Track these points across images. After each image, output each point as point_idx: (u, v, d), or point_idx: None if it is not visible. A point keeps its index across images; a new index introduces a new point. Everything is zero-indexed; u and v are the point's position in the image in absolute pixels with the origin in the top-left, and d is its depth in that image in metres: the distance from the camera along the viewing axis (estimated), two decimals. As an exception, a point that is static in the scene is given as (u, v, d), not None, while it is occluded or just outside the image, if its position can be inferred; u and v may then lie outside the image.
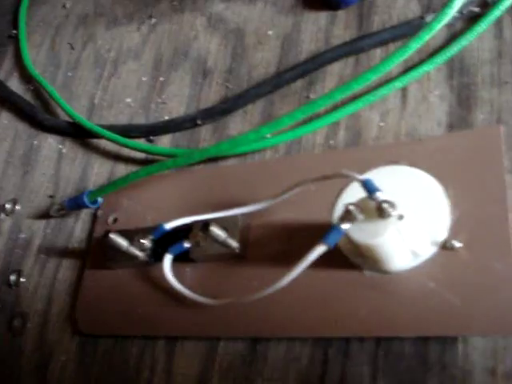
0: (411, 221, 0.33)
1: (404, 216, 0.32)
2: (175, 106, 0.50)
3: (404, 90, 0.42)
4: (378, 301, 0.34)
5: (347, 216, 0.32)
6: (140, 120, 0.50)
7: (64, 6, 0.62)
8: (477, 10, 0.43)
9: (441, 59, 0.41)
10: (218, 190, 0.43)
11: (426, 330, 0.33)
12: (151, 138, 0.49)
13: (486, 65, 0.41)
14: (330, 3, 0.48)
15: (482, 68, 0.41)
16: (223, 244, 0.39)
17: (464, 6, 0.42)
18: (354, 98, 0.42)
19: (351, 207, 0.32)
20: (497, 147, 0.36)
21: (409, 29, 0.44)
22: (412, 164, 0.38)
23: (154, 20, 0.56)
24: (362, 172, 0.38)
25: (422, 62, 0.42)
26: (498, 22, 0.42)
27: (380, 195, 0.32)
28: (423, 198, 0.36)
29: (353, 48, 0.45)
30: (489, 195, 0.35)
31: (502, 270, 0.32)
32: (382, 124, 0.42)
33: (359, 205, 0.33)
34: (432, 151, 0.38)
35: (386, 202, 0.32)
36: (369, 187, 0.32)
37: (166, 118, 0.49)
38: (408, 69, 0.42)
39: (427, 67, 0.41)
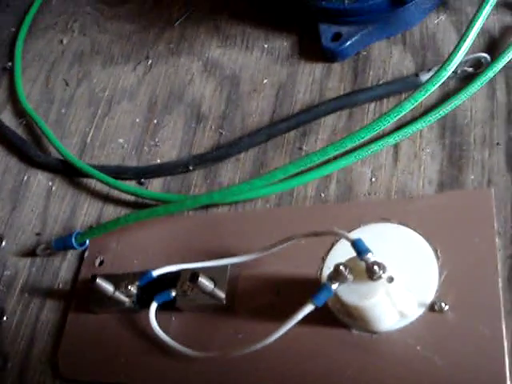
0: (400, 282, 0.33)
1: (394, 278, 0.32)
2: (168, 149, 0.50)
3: (396, 146, 0.42)
4: (365, 360, 0.34)
5: (337, 276, 0.32)
6: (132, 162, 0.50)
7: (61, 42, 0.63)
8: (470, 70, 0.43)
9: (433, 118, 0.42)
10: (207, 237, 0.43)
11: (412, 392, 0.33)
12: (142, 180, 0.49)
13: (479, 125, 0.41)
14: (325, 55, 0.49)
15: (474, 128, 0.41)
16: (210, 295, 0.39)
17: (459, 65, 0.42)
18: (347, 152, 0.42)
19: (341, 267, 0.32)
20: (488, 210, 0.37)
21: (403, 85, 0.44)
22: (402, 222, 0.38)
23: (150, 61, 0.56)
24: (352, 228, 0.38)
25: (414, 119, 0.42)
26: (491, 82, 0.43)
27: (370, 256, 0.32)
28: (412, 259, 0.36)
29: (347, 102, 0.45)
30: (478, 258, 0.35)
31: (490, 334, 0.32)
32: (373, 179, 0.42)
33: (349, 265, 0.32)
34: (423, 210, 0.38)
35: (376, 263, 0.32)
36: (359, 247, 0.32)
37: (158, 160, 0.49)
38: (400, 126, 0.42)
39: (420, 125, 0.42)
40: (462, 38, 0.40)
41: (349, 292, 0.32)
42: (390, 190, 0.41)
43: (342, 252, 0.36)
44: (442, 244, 0.36)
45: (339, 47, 0.48)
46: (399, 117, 0.40)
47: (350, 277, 0.32)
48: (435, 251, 0.36)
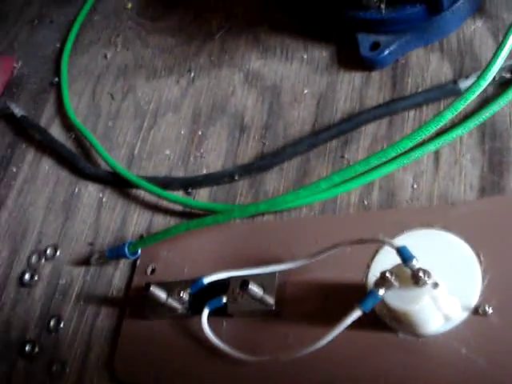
0: (445, 287, 0.34)
1: (439, 284, 0.33)
2: (213, 159, 0.52)
3: (437, 153, 0.43)
4: (412, 363, 0.35)
5: (383, 282, 0.34)
6: (179, 172, 0.52)
7: (105, 56, 0.65)
8: (508, 76, 0.44)
9: (473, 124, 0.43)
10: (254, 245, 0.44)
11: (459, 394, 0.34)
12: (189, 190, 0.50)
13: (517, 130, 0.42)
14: (364, 64, 0.50)
15: (513, 133, 0.42)
16: (260, 301, 0.40)
17: (497, 72, 0.43)
18: (388, 159, 0.43)
19: (387, 274, 0.33)
20: (528, 215, 0.38)
21: (442, 93, 0.45)
22: (445, 228, 0.39)
23: (192, 74, 0.58)
24: (395, 234, 0.40)
25: (454, 126, 0.43)
26: (529, 87, 0.43)
27: (415, 263, 0.33)
28: (456, 263, 0.37)
29: (387, 110, 0.46)
30: (520, 262, 0.36)
31: (533, 337, 0.33)
32: (415, 186, 0.43)
33: (394, 271, 0.34)
34: (464, 216, 0.39)
35: (421, 270, 0.33)
36: (404, 255, 0.34)
37: (204, 171, 0.51)
38: (441, 133, 0.43)
39: (459, 131, 0.43)
40: (499, 46, 0.41)
41: (395, 298, 0.34)
42: (431, 196, 0.42)
43: (386, 258, 0.37)
44: (484, 249, 0.37)
45: (378, 56, 0.49)
46: (440, 125, 0.41)
47: (396, 283, 0.33)
48: (478, 256, 0.37)
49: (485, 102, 0.44)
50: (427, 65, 0.48)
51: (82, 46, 0.68)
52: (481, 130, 0.43)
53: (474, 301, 0.36)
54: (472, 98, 0.41)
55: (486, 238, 0.38)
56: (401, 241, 0.35)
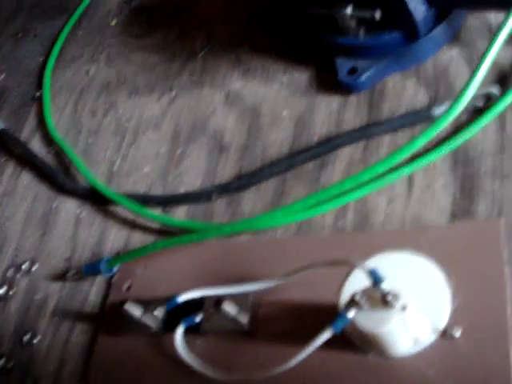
0: (414, 310, 0.35)
1: (407, 306, 0.34)
2: (191, 178, 0.52)
3: (410, 177, 0.44)
4: (379, 384, 0.36)
5: (353, 304, 0.34)
6: (157, 190, 0.53)
7: (87, 72, 0.65)
8: (481, 104, 0.45)
9: (446, 150, 0.44)
10: (230, 264, 0.45)
11: (425, 416, 0.35)
12: (167, 208, 0.51)
13: (489, 157, 0.43)
14: (342, 88, 0.51)
15: (485, 160, 0.43)
16: (234, 320, 0.41)
17: (469, 101, 0.44)
18: (363, 183, 0.44)
19: (357, 296, 0.34)
20: (496, 240, 0.38)
21: (416, 119, 0.47)
22: (416, 251, 0.40)
23: (174, 92, 0.59)
24: (368, 257, 0.40)
25: (427, 151, 0.44)
26: (501, 116, 0.45)
27: (385, 286, 0.34)
28: (426, 287, 0.38)
29: (363, 134, 0.47)
30: (488, 286, 0.37)
31: (497, 361, 0.34)
32: (388, 209, 0.44)
33: (365, 293, 0.34)
34: (435, 240, 0.40)
35: (390, 293, 0.34)
36: (374, 277, 0.34)
37: (182, 189, 0.52)
38: (414, 157, 0.44)
39: (433, 157, 0.44)
40: (471, 75, 0.42)
41: (365, 319, 0.34)
42: (404, 220, 0.43)
43: (358, 280, 0.38)
44: (454, 273, 0.38)
45: (355, 81, 0.50)
46: (413, 151, 0.42)
47: (365, 305, 0.34)
48: (448, 280, 0.38)
49: (458, 128, 0.45)
50: (403, 90, 0.49)
51: (65, 60, 0.68)
52: (453, 156, 0.44)
53: (442, 324, 0.36)
54: (444, 125, 0.42)
55: (456, 262, 0.38)
56: (372, 263, 0.36)
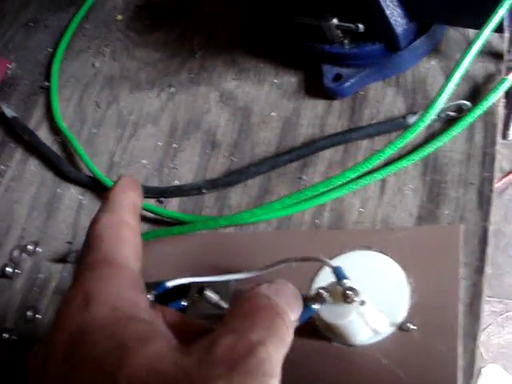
0: (373, 305, 0.39)
1: (366, 302, 0.38)
2: (185, 172, 0.56)
3: (383, 180, 0.48)
4: (341, 369, 0.40)
5: (318, 298, 0.38)
6: (154, 181, 0.57)
7: (93, 65, 0.69)
8: (453, 114, 0.49)
9: (417, 156, 0.48)
10: (215, 254, 0.49)
11: (379, 399, 0.39)
12: (161, 199, 0.55)
13: (456, 165, 0.47)
14: (327, 93, 0.54)
15: (452, 168, 0.47)
16: (216, 306, 0.45)
17: (442, 110, 0.48)
18: (340, 185, 0.48)
19: (321, 291, 0.38)
20: (455, 244, 0.43)
21: (392, 126, 0.50)
22: (382, 250, 0.44)
23: (172, 89, 0.63)
24: (339, 253, 0.44)
25: (401, 157, 0.48)
26: (471, 126, 0.48)
27: (347, 282, 0.38)
28: (388, 283, 0.42)
29: (343, 138, 0.51)
30: (443, 286, 0.41)
31: (445, 353, 0.38)
32: (361, 209, 0.48)
33: (329, 289, 0.39)
34: (401, 240, 0.44)
35: (350, 289, 0.38)
36: (338, 274, 0.38)
37: (177, 182, 0.56)
38: (388, 162, 0.48)
39: (405, 163, 0.48)
40: (442, 87, 0.46)
41: (328, 312, 0.38)
42: (375, 221, 0.47)
43: (327, 275, 0.42)
44: (414, 272, 0.42)
45: (339, 87, 0.54)
46: (387, 156, 0.46)
47: (329, 299, 0.38)
48: (408, 278, 0.42)
49: (431, 136, 0.49)
50: (383, 98, 0.53)
51: (72, 52, 0.72)
52: (424, 163, 0.48)
53: (400, 318, 0.41)
54: (416, 133, 0.46)
55: (417, 263, 0.43)
56: (341, 260, 0.41)
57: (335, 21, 0.52)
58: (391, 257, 0.43)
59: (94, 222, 0.36)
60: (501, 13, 0.46)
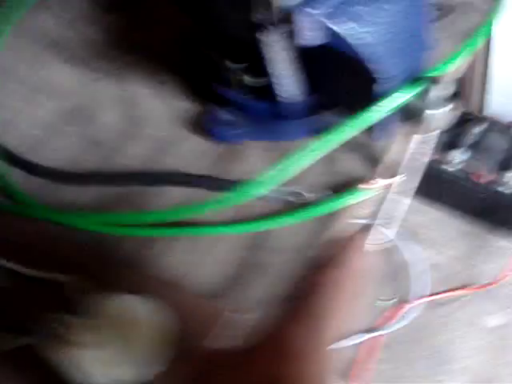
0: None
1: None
2: (59, 157, 0.57)
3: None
4: None
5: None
6: (30, 155, 0.57)
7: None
8: (293, 200, 0.49)
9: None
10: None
11: None
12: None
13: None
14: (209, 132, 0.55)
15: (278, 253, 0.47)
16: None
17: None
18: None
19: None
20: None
21: (219, 185, 0.51)
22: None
23: (98, 75, 0.62)
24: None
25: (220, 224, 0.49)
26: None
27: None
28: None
29: (191, 181, 0.52)
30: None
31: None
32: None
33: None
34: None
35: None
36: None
37: (50, 163, 0.56)
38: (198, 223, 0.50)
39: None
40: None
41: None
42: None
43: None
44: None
45: (218, 130, 0.54)
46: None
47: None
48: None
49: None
50: (248, 158, 0.53)
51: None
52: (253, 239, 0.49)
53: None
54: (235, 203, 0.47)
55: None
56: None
57: (228, 63, 0.51)
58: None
59: None
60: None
